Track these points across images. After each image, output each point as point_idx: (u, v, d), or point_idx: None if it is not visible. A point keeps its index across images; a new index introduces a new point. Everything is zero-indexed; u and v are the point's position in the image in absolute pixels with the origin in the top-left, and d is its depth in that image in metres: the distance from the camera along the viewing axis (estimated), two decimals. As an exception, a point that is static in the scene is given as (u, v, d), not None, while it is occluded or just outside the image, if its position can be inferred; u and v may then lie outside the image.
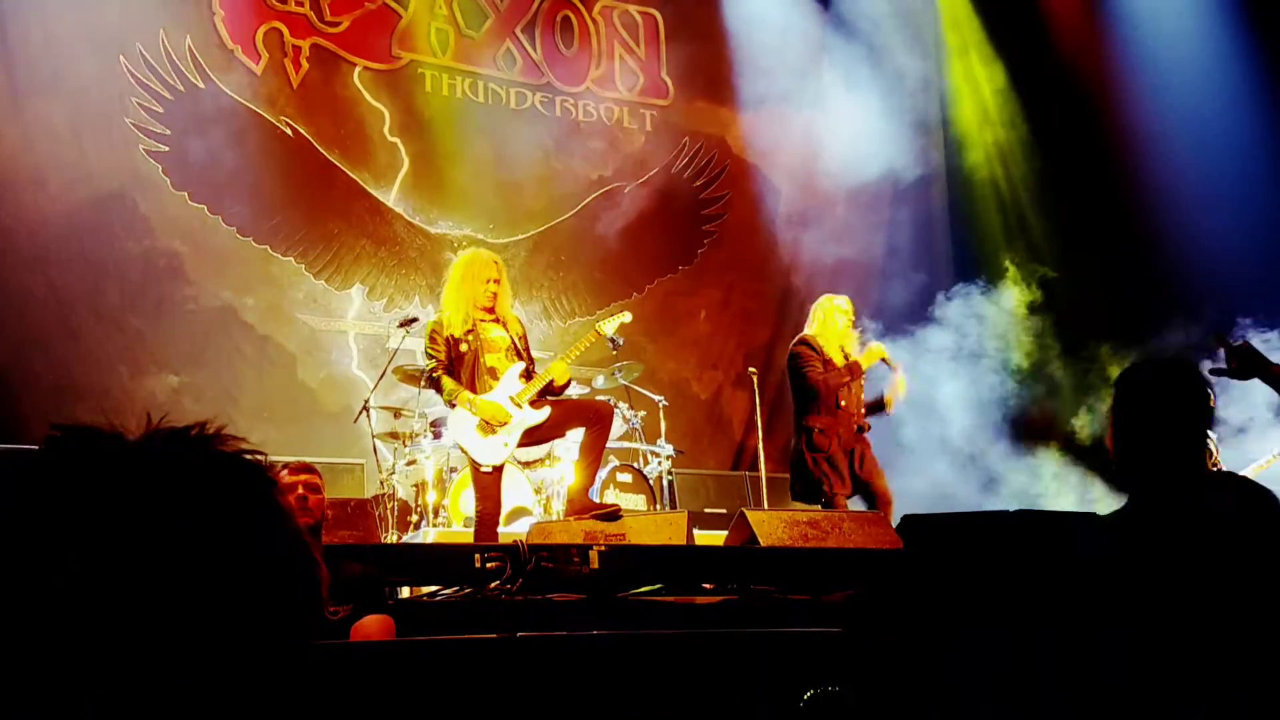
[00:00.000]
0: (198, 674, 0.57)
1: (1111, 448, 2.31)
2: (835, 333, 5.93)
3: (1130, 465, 2.28)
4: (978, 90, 10.02)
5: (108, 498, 0.59)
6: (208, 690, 0.57)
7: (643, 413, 7.01)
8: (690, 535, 5.51)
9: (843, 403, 5.82)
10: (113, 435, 0.63)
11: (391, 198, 8.33)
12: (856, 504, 5.88)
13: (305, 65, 8.13)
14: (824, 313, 6.02)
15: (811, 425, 5.83)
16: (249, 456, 0.65)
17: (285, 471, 3.69)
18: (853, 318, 6.05)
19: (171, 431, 0.65)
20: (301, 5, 8.17)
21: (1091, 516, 2.55)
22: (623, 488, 6.54)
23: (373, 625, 3.30)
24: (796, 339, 6.10)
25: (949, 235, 10.17)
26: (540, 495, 6.23)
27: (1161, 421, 2.24)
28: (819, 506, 5.76)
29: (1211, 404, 2.29)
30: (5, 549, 0.58)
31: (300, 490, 3.64)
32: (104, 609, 0.57)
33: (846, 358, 5.90)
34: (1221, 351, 2.80)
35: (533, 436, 5.22)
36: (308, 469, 3.78)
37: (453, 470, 6.13)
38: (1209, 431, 2.39)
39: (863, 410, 5.99)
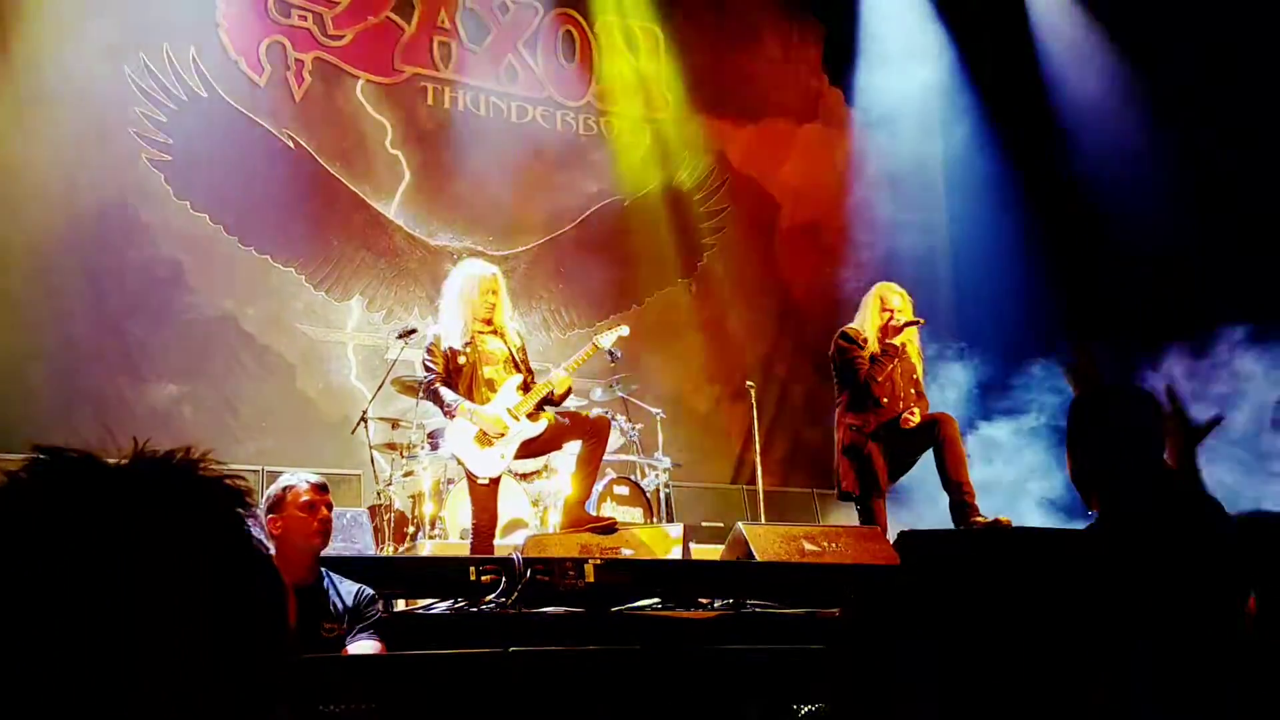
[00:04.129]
0: (165, 698, 0.58)
1: (1071, 471, 2.42)
2: (876, 324, 5.64)
3: (1091, 486, 2.39)
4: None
5: (83, 526, 0.61)
6: (174, 714, 0.59)
7: (641, 425, 7.01)
8: (687, 549, 5.51)
9: (884, 400, 5.58)
10: (91, 461, 0.64)
11: (392, 210, 8.36)
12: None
13: (308, 78, 8.17)
14: (867, 302, 5.76)
15: (849, 422, 5.61)
16: (230, 482, 0.66)
17: (309, 489, 3.40)
18: (896, 308, 5.61)
19: (156, 456, 0.66)
20: (305, 19, 8.21)
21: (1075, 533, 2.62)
22: (620, 500, 6.52)
23: (365, 651, 3.28)
24: (838, 331, 5.80)
25: (951, 247, 10.19)
26: (537, 508, 6.23)
27: (1117, 445, 2.35)
28: (858, 504, 5.58)
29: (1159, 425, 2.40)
30: None
31: (324, 512, 3.40)
32: (74, 635, 0.58)
33: (883, 346, 5.58)
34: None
35: (530, 449, 5.22)
36: (326, 487, 3.50)
37: (450, 482, 6.12)
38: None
39: (914, 392, 5.67)
